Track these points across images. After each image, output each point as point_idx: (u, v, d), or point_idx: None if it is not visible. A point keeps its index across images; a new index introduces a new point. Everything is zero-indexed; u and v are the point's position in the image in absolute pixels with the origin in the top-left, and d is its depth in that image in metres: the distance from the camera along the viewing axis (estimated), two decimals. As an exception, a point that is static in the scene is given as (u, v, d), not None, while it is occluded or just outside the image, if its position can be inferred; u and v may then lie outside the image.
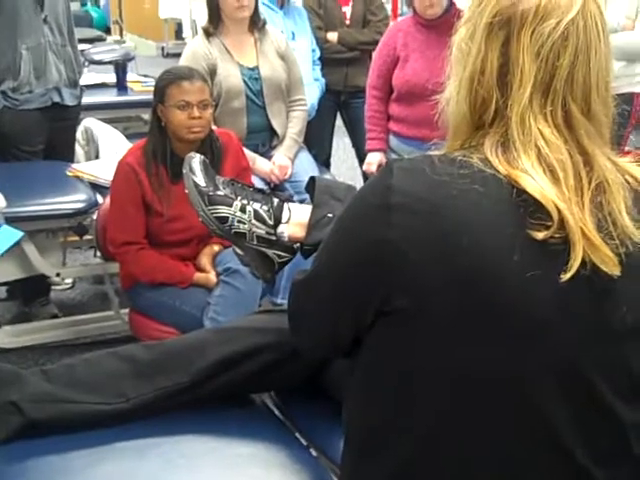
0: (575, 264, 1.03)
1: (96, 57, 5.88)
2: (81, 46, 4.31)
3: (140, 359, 1.68)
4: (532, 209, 1.04)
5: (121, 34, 10.16)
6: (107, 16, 11.63)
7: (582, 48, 1.08)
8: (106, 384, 1.63)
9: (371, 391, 1.18)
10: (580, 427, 1.11)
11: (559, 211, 1.03)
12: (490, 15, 1.10)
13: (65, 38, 3.63)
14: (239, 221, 1.49)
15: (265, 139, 3.65)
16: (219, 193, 1.53)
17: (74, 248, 4.12)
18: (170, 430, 1.60)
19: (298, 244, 1.57)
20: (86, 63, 5.53)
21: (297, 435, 1.67)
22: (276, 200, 1.58)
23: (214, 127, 2.95)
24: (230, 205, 1.49)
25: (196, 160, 1.61)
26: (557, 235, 1.04)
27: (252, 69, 3.56)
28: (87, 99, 4.04)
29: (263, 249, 1.46)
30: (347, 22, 4.39)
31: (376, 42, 4.28)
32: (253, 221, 1.48)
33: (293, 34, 4.08)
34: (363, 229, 1.12)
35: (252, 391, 1.76)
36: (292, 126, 3.69)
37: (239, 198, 1.49)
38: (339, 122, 4.61)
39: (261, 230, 1.46)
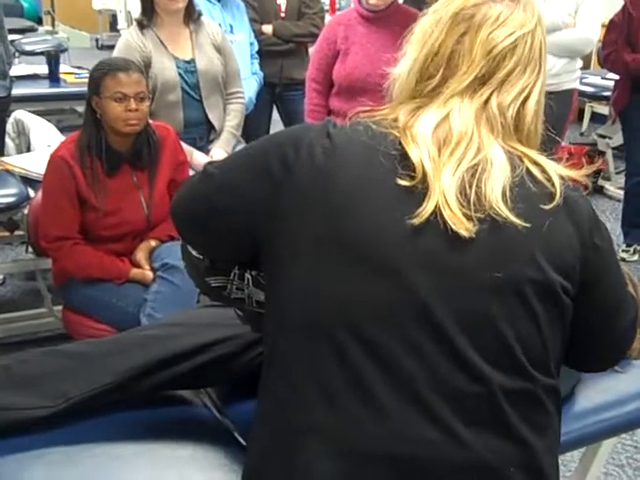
0: (425, 214, 1.16)
1: (27, 47, 5.77)
2: (11, 36, 4.21)
3: (81, 356, 1.65)
4: (405, 162, 1.20)
5: (53, 25, 9.96)
6: (39, 6, 11.37)
7: (523, 61, 1.26)
8: (45, 384, 1.59)
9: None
10: (440, 385, 1.16)
11: (423, 167, 1.18)
12: (457, 8, 1.27)
13: (-7, 28, 3.54)
14: (238, 288, 1.48)
15: (202, 133, 3.60)
16: (216, 264, 1.50)
17: (5, 244, 4.03)
18: (103, 432, 1.56)
19: None
20: (17, 54, 5.42)
21: (236, 435, 1.65)
22: None
23: (150, 121, 2.89)
24: (228, 274, 1.48)
25: None
26: (420, 186, 1.18)
27: (188, 62, 3.51)
28: (18, 90, 3.95)
29: (263, 311, 1.44)
30: (282, 15, 4.37)
31: (311, 34, 4.30)
32: (252, 287, 1.47)
33: (231, 27, 4.05)
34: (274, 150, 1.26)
35: (197, 386, 1.75)
36: (230, 119, 3.65)
37: (236, 266, 1.48)
38: (276, 117, 4.59)
39: (260, 295, 1.45)
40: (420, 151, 1.20)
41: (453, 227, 1.16)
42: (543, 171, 1.23)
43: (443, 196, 1.17)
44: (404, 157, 1.20)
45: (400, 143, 1.22)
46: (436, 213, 1.17)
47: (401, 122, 1.24)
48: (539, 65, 1.28)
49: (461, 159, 1.20)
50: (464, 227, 1.16)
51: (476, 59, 1.25)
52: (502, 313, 1.18)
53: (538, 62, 1.28)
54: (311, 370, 1.19)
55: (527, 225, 1.18)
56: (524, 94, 1.26)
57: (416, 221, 1.16)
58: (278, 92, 4.40)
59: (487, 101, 1.25)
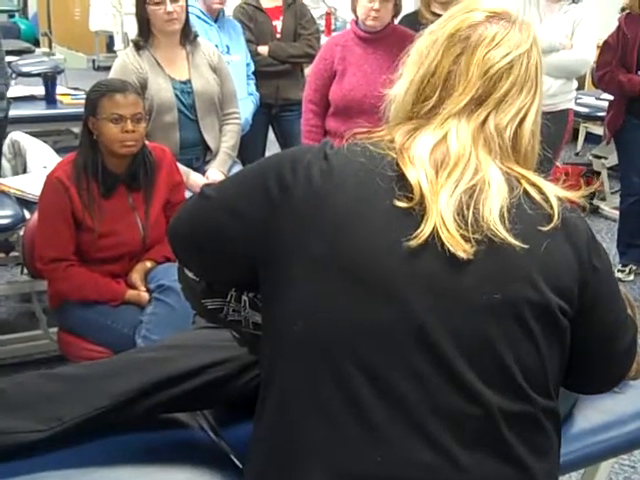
0: (423, 236, 1.16)
1: (24, 69, 5.77)
2: (8, 58, 4.21)
3: (76, 379, 1.64)
4: (402, 183, 1.19)
5: (50, 46, 9.98)
6: (36, 28, 11.40)
7: (519, 82, 1.27)
8: (40, 408, 1.58)
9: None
10: (438, 407, 1.15)
11: (421, 188, 1.18)
12: (453, 29, 1.28)
13: (-10, 49, 3.54)
14: (234, 310, 1.48)
15: (199, 154, 3.60)
16: (213, 286, 1.50)
17: (0, 265, 4.00)
18: (98, 456, 1.55)
19: None
20: (14, 75, 5.42)
21: (232, 457, 1.63)
22: None
23: (146, 142, 2.89)
24: (225, 296, 1.48)
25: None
26: (417, 208, 1.18)
27: (184, 83, 3.52)
28: (14, 112, 3.94)
29: (260, 333, 1.44)
30: (278, 35, 4.39)
31: (307, 55, 4.31)
32: (248, 309, 1.47)
33: (228, 48, 4.05)
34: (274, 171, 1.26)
35: (193, 409, 1.74)
36: (226, 140, 3.65)
37: (233, 288, 1.47)
38: (272, 137, 4.59)
39: (257, 317, 1.44)
40: (417, 173, 1.20)
41: (451, 249, 1.16)
42: (541, 192, 1.23)
43: (441, 218, 1.17)
44: (401, 178, 1.20)
45: (397, 164, 1.21)
46: (434, 235, 1.16)
47: (398, 143, 1.24)
48: (535, 85, 1.29)
49: (459, 180, 1.20)
50: (462, 249, 1.16)
51: (472, 80, 1.25)
52: (500, 335, 1.17)
53: (534, 82, 1.28)
54: (308, 392, 1.18)
55: (525, 246, 1.18)
56: (521, 114, 1.26)
57: (414, 243, 1.16)
58: (274, 113, 4.41)
59: (484, 122, 1.25)
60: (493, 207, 1.18)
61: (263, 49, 4.31)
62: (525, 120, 1.27)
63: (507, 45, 1.26)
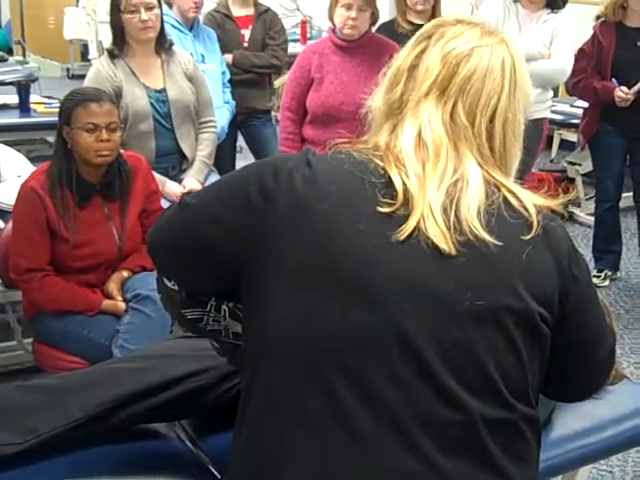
0: (407, 230, 1.16)
1: (-3, 77, 5.73)
2: (-19, 66, 4.17)
3: (52, 391, 1.62)
4: (386, 190, 1.20)
5: (24, 54, 9.91)
6: (9, 36, 11.31)
7: (481, 69, 1.26)
8: (15, 420, 1.57)
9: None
10: (421, 414, 1.14)
11: (406, 191, 1.18)
12: (421, 30, 1.32)
13: (-37, 58, 3.51)
14: (214, 320, 1.47)
15: (175, 162, 3.59)
16: (192, 295, 1.49)
17: (-27, 275, 3.95)
18: (75, 468, 1.54)
19: None
20: (-14, 84, 5.38)
21: (210, 468, 1.63)
22: None
23: (122, 151, 2.87)
24: (205, 305, 1.46)
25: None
26: (401, 211, 1.18)
27: (159, 91, 3.50)
28: (-13, 121, 3.91)
29: (240, 343, 1.43)
30: (245, 44, 4.38)
31: (272, 66, 4.34)
32: (228, 319, 1.46)
33: (203, 57, 4.04)
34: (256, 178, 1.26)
35: (171, 419, 1.73)
36: (202, 149, 3.64)
37: (213, 298, 1.46)
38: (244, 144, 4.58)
39: (237, 327, 1.43)
40: (404, 172, 1.20)
41: (434, 240, 1.16)
42: (518, 200, 1.23)
43: (429, 208, 1.17)
44: (386, 185, 1.20)
45: (382, 169, 1.22)
46: (419, 228, 1.17)
47: (382, 146, 1.25)
48: (502, 79, 1.28)
49: (444, 173, 1.21)
50: (445, 242, 1.16)
51: (432, 65, 1.28)
52: (482, 342, 1.17)
53: (502, 76, 1.28)
54: (292, 400, 1.18)
55: (506, 253, 1.18)
56: (490, 107, 1.26)
57: (399, 236, 1.16)
58: (240, 120, 4.38)
59: (453, 110, 1.26)
60: (471, 205, 1.19)
61: (227, 57, 4.30)
62: (495, 116, 1.27)
63: (468, 37, 1.29)
